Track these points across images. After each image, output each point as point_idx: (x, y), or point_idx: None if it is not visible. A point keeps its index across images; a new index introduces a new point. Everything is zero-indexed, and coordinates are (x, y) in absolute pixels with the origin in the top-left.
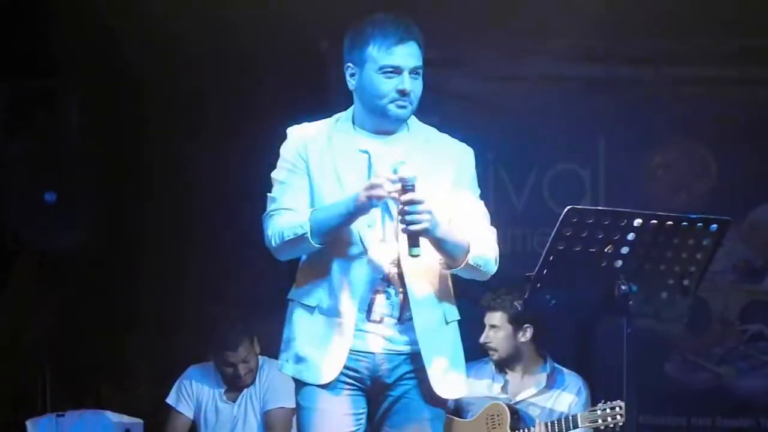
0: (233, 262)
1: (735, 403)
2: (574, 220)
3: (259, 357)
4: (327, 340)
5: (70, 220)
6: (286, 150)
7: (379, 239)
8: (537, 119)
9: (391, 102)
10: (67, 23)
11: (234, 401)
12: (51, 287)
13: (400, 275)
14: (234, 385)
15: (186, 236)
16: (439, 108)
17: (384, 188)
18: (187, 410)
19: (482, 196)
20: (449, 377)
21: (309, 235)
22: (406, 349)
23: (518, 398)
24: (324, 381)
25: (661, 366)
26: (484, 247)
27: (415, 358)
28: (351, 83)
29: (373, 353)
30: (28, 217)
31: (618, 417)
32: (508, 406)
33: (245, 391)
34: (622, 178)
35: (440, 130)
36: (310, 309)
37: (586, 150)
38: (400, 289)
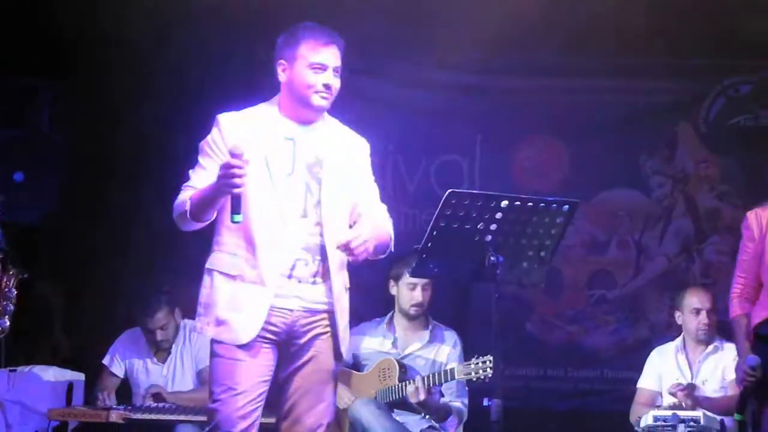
0: (169, 238)
1: (583, 357)
2: (453, 201)
3: (186, 321)
4: (248, 305)
5: (35, 199)
6: (213, 135)
7: (299, 214)
8: (427, 118)
9: (316, 93)
10: (46, 25)
11: (163, 362)
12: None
13: (318, 246)
14: (156, 348)
15: (130, 214)
16: (353, 107)
17: (228, 177)
18: (118, 371)
19: (382, 181)
20: (347, 336)
21: (188, 215)
22: (320, 307)
23: (406, 352)
24: (243, 341)
25: (523, 325)
26: (391, 232)
27: (324, 317)
28: (282, 76)
29: (291, 309)
30: None
31: (488, 369)
32: (397, 361)
33: (173, 352)
34: (494, 167)
35: (354, 125)
36: (231, 277)
37: (466, 144)
38: (317, 257)
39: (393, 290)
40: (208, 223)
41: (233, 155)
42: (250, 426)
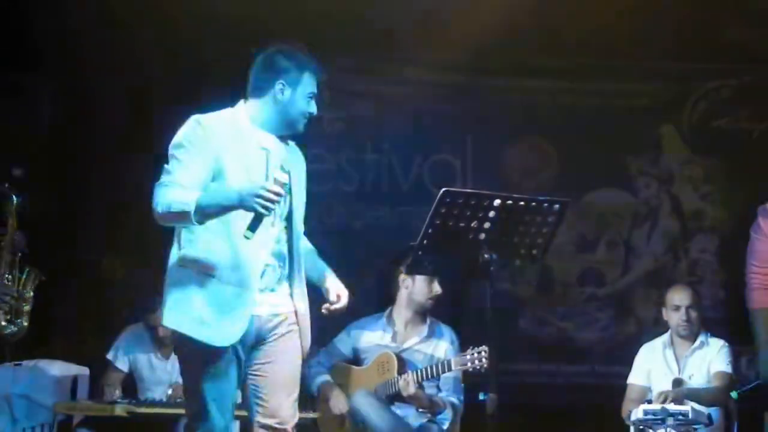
0: (170, 235)
1: (575, 352)
2: (448, 200)
3: None
4: (229, 306)
5: (33, 194)
6: (191, 134)
7: (270, 222)
8: (420, 118)
9: (305, 119)
10: (45, 25)
11: (167, 358)
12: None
13: (285, 252)
14: (159, 344)
15: (129, 209)
16: (347, 105)
17: (270, 200)
18: (123, 365)
19: (378, 178)
20: (308, 335)
21: (191, 213)
22: (282, 309)
23: (405, 345)
24: (227, 344)
25: (517, 321)
26: None
27: (287, 317)
28: (280, 96)
29: (259, 315)
30: None
31: (483, 360)
32: (396, 354)
33: None
34: (484, 166)
35: (348, 124)
36: (207, 276)
37: (458, 143)
38: (281, 264)
39: (404, 284)
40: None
41: (279, 183)
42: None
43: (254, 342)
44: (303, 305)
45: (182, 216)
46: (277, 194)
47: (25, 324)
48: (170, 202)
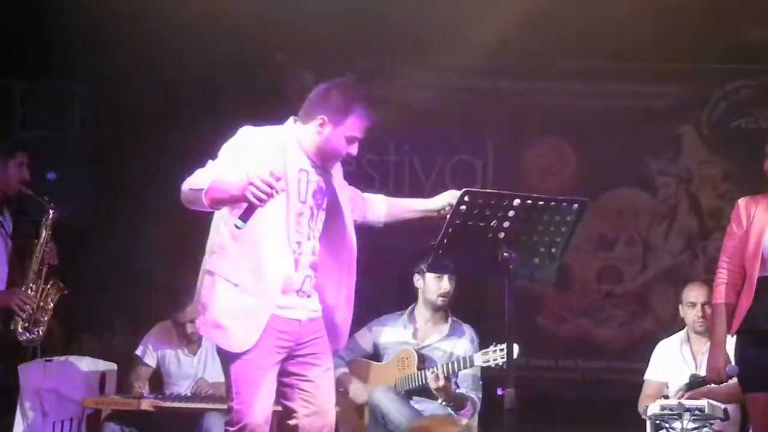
0: (198, 235)
1: (592, 348)
2: (468, 199)
3: None
4: (246, 315)
5: (67, 197)
6: (238, 145)
7: (306, 236)
8: (442, 120)
9: (336, 159)
10: (75, 32)
11: (194, 354)
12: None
13: (316, 263)
14: (186, 340)
15: (159, 211)
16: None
17: (262, 191)
18: (151, 361)
19: (400, 179)
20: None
21: (203, 193)
22: (316, 315)
23: (425, 343)
24: (240, 350)
25: (535, 318)
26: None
27: (319, 322)
28: (319, 130)
29: (300, 320)
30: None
31: (506, 357)
32: (416, 350)
33: (204, 344)
34: (505, 167)
35: (373, 126)
36: (234, 285)
37: (479, 145)
38: (315, 273)
39: (418, 283)
40: (211, 211)
41: (274, 176)
42: (267, 423)
43: (295, 345)
44: (341, 311)
45: (197, 195)
46: (270, 187)
47: (41, 333)
48: (193, 181)
